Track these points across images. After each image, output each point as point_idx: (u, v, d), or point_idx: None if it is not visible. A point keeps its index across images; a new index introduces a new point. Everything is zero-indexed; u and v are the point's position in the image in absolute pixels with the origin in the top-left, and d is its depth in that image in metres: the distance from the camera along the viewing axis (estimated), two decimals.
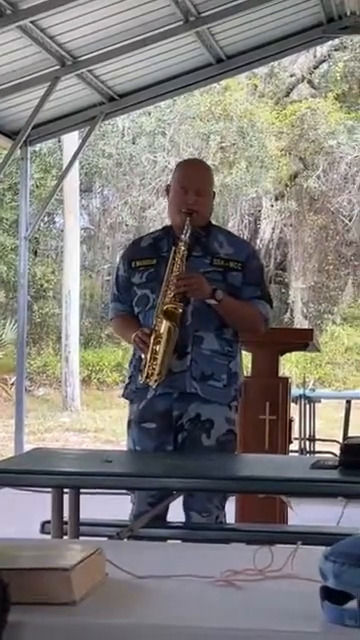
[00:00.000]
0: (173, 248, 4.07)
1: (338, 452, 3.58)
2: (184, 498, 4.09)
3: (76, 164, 16.11)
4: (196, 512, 4.07)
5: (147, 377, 3.99)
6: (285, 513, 5.71)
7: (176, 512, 4.15)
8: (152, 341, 3.97)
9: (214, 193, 4.34)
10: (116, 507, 4.49)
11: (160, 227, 4.55)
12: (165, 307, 3.98)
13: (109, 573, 2.05)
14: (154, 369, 3.97)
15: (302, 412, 9.71)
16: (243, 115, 20.66)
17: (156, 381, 3.98)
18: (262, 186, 20.76)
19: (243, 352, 4.46)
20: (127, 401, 4.26)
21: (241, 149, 20.64)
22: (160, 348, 3.96)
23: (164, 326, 3.97)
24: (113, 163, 21.05)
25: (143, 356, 4.02)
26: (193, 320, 4.05)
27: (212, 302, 4.03)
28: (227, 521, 4.31)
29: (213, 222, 4.36)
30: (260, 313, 4.17)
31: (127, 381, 4.25)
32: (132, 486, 3.81)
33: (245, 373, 5.52)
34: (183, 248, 4.04)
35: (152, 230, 4.65)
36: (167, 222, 4.38)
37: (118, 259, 4.47)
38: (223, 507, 4.14)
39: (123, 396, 4.27)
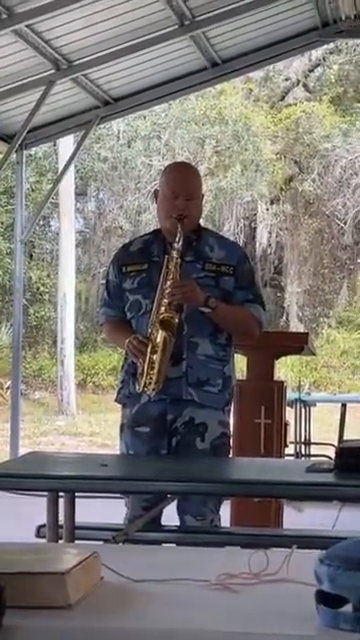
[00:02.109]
0: (166, 256, 4.06)
1: (333, 455, 3.59)
2: (178, 502, 4.09)
3: (71, 168, 16.11)
4: (191, 516, 4.07)
5: (145, 386, 3.99)
6: (280, 516, 5.71)
7: (170, 516, 4.15)
8: (149, 350, 3.97)
9: (203, 195, 4.34)
10: (112, 510, 4.48)
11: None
12: (161, 317, 3.98)
13: (105, 577, 2.05)
14: (152, 379, 3.97)
15: (297, 416, 9.72)
16: (238, 119, 20.67)
17: (154, 389, 3.98)
18: (257, 190, 20.76)
19: (238, 356, 4.46)
20: (120, 405, 4.26)
21: (236, 153, 20.64)
22: (157, 357, 3.96)
23: (160, 336, 3.96)
24: (108, 167, 21.06)
25: (139, 364, 4.01)
26: (188, 326, 4.05)
27: (206, 310, 4.03)
28: (222, 525, 4.31)
29: (202, 224, 4.35)
30: (253, 316, 4.18)
31: (120, 385, 4.24)
32: (127, 490, 3.81)
33: (240, 377, 5.53)
34: (176, 256, 4.03)
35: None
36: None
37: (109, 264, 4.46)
38: (218, 511, 4.14)
39: (116, 401, 4.26)
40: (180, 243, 4.03)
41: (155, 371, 3.96)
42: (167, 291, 3.99)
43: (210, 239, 4.24)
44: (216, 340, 4.11)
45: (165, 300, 3.99)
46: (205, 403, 4.05)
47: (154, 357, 3.96)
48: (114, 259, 4.34)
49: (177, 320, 3.98)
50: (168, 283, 4.00)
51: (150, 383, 3.98)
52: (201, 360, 4.07)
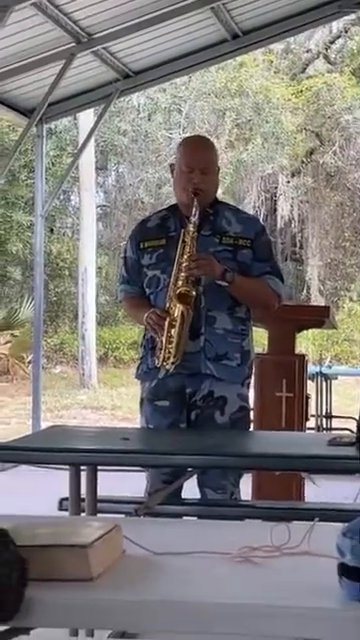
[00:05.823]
0: (182, 230, 4.05)
1: (355, 429, 3.58)
2: (198, 475, 4.09)
3: (92, 141, 16.08)
4: (211, 489, 4.07)
5: (164, 360, 3.99)
6: (302, 490, 5.72)
7: (190, 489, 4.16)
8: (167, 324, 3.96)
9: (219, 168, 4.32)
10: (134, 483, 4.50)
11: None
12: (178, 290, 3.97)
13: (126, 550, 2.06)
14: (170, 352, 3.97)
15: (319, 389, 9.71)
16: (259, 91, 20.56)
17: (173, 363, 3.98)
18: (278, 162, 20.67)
19: (259, 329, 4.45)
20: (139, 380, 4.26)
21: (257, 125, 20.55)
22: (175, 331, 3.96)
23: (178, 310, 3.96)
24: (129, 140, 21.01)
25: (158, 338, 4.01)
26: (205, 300, 4.04)
27: (223, 284, 4.01)
28: (243, 498, 4.32)
29: (222, 198, 4.32)
30: (272, 289, 4.16)
31: (139, 362, 4.24)
32: (149, 463, 3.81)
33: (261, 350, 5.53)
34: (192, 229, 4.02)
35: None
36: None
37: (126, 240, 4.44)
38: (238, 484, 4.14)
39: (136, 377, 4.27)
40: (196, 217, 4.02)
41: (173, 345, 3.96)
42: (184, 264, 3.99)
43: (227, 213, 4.21)
44: (234, 314, 4.10)
45: (182, 274, 3.98)
46: (223, 377, 4.05)
47: (172, 331, 3.96)
48: (132, 235, 4.33)
49: (195, 293, 3.98)
50: (185, 257, 4.00)
51: (169, 357, 3.98)
52: (219, 334, 4.06)
